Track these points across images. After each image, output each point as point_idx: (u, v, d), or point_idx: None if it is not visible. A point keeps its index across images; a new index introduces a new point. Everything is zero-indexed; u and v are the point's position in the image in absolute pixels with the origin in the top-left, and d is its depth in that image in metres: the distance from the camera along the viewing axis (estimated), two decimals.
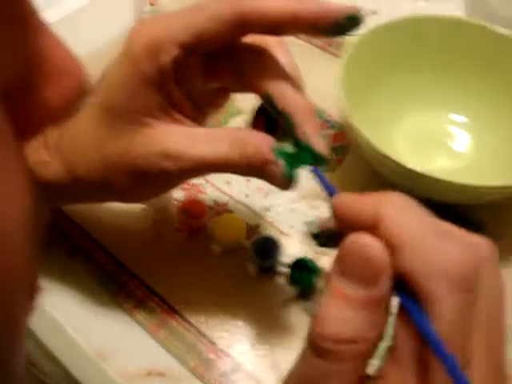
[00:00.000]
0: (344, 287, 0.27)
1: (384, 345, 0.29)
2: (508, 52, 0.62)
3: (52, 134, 0.45)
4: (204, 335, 0.50)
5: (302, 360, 0.29)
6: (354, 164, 0.62)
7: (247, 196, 0.59)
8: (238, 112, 0.66)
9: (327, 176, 0.60)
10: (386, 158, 0.51)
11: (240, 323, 0.51)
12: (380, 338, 0.28)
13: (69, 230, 0.57)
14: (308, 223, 0.57)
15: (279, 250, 0.52)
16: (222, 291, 0.53)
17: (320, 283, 0.52)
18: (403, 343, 0.28)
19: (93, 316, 0.52)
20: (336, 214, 0.31)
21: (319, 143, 0.40)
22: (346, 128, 0.63)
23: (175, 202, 0.58)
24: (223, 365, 0.49)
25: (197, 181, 0.60)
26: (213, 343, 0.50)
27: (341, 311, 0.27)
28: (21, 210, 0.20)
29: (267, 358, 0.49)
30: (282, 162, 0.39)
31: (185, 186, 0.59)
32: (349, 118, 0.53)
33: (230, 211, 0.58)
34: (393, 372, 0.27)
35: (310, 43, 0.75)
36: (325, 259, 0.54)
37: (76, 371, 0.50)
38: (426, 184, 0.52)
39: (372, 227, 0.28)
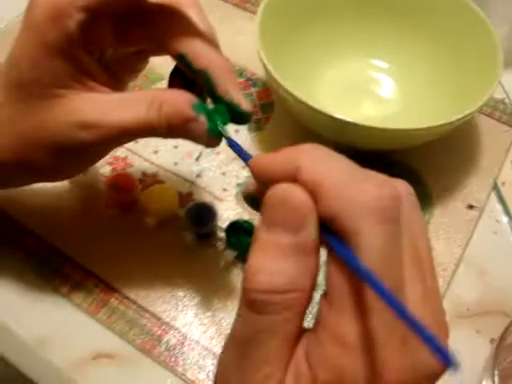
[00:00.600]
0: (271, 238, 0.27)
1: (319, 293, 0.28)
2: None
3: None
4: (147, 310, 0.49)
5: (238, 318, 0.28)
6: (281, 120, 0.61)
7: (176, 164, 0.58)
8: (160, 78, 0.64)
9: (256, 136, 0.60)
10: (313, 110, 0.50)
11: (182, 293, 0.50)
12: (314, 287, 0.27)
13: None
14: (240, 185, 0.56)
15: (214, 215, 0.51)
16: (160, 264, 0.51)
17: None
18: (337, 286, 0.26)
19: (29, 304, 0.50)
20: (255, 175, 0.30)
21: (241, 99, 0.39)
22: (269, 85, 0.63)
23: (103, 178, 0.56)
24: (170, 338, 0.48)
25: (123, 153, 0.58)
26: (157, 317, 0.49)
27: (271, 261, 0.26)
28: None
29: (213, 325, 0.49)
30: (203, 118, 0.38)
31: (111, 159, 0.57)
32: (271, 73, 0.52)
33: (160, 182, 0.56)
34: (330, 316, 0.26)
35: (226, 1, 0.73)
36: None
37: (18, 363, 0.48)
38: (355, 133, 0.51)
39: (293, 180, 0.28)
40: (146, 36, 0.41)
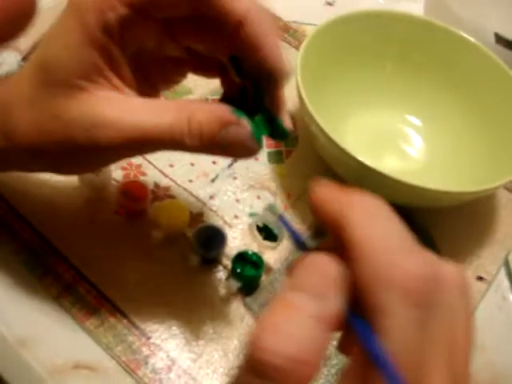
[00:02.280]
0: (295, 299, 0.25)
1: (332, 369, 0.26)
2: (466, 55, 0.61)
3: None
4: (137, 327, 0.47)
5: (238, 379, 0.26)
6: (303, 156, 0.60)
7: (191, 181, 0.56)
8: (187, 91, 0.62)
9: (275, 168, 0.58)
10: (341, 151, 0.49)
11: (176, 316, 0.48)
12: (321, 363, 0.25)
13: None
14: (253, 215, 0.54)
15: (223, 241, 0.49)
16: (159, 281, 0.49)
17: (263, 278, 0.50)
18: (350, 365, 0.26)
19: (15, 300, 0.47)
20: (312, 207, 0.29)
21: (286, 115, 0.38)
22: (297, 118, 0.61)
23: (114, 182, 0.54)
24: (156, 361, 0.46)
25: (137, 161, 0.56)
26: (147, 337, 0.47)
27: (288, 325, 0.24)
28: None
29: (203, 355, 0.46)
30: (245, 122, 0.35)
31: (125, 165, 0.56)
32: (307, 107, 0.51)
33: (171, 196, 0.54)
34: None
35: None
36: (269, 253, 0.51)
37: None
38: (378, 182, 0.50)
39: (336, 228, 0.27)
40: (201, 34, 0.40)
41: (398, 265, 0.25)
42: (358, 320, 0.25)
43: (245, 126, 0.36)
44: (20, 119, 0.39)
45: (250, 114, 0.36)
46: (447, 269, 0.27)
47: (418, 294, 0.25)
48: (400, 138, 0.63)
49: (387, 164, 0.60)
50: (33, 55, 0.39)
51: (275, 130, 0.38)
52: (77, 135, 0.37)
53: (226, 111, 0.36)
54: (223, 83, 0.44)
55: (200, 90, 0.63)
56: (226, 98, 0.43)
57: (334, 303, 0.25)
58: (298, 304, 0.25)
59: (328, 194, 0.29)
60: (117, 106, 0.37)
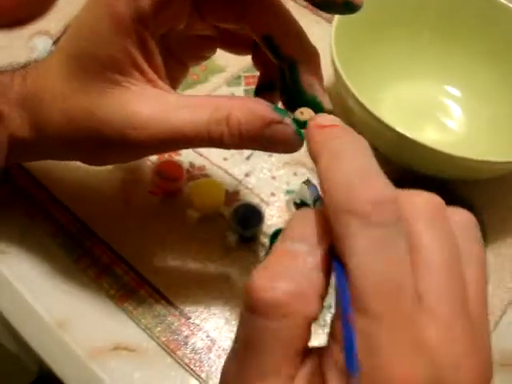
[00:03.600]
0: (289, 245, 0.26)
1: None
2: (505, 22, 0.59)
3: (13, 83, 0.40)
4: (176, 308, 0.46)
5: (240, 320, 0.26)
6: None
7: (225, 159, 0.55)
8: (219, 69, 0.61)
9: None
10: (377, 121, 0.48)
11: (215, 295, 0.47)
12: (322, 307, 0.25)
13: (28, 188, 0.52)
14: (290, 192, 0.53)
15: (261, 219, 0.49)
16: (196, 261, 0.49)
17: None
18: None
19: (54, 282, 0.47)
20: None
21: (325, 96, 0.36)
22: (331, 93, 0.60)
23: (148, 163, 0.53)
24: (196, 341, 0.45)
25: None
26: (186, 317, 0.46)
27: (283, 266, 0.25)
28: None
29: None
30: (289, 120, 0.33)
31: None
32: (343, 81, 0.50)
33: (206, 175, 0.53)
34: (335, 347, 0.24)
35: (295, 1, 0.71)
36: None
37: (34, 342, 0.45)
38: (418, 154, 0.49)
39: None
40: (231, 14, 0.38)
41: (355, 189, 0.24)
42: (336, 263, 0.25)
43: (288, 124, 0.34)
44: (51, 112, 0.38)
45: (288, 96, 0.35)
46: (413, 194, 0.26)
47: (380, 214, 0.23)
48: (439, 110, 0.61)
49: (426, 136, 0.59)
50: (62, 42, 0.38)
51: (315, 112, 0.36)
52: (109, 133, 0.36)
53: (267, 110, 0.34)
54: (256, 62, 0.43)
55: (232, 68, 0.62)
56: (262, 86, 0.41)
57: (318, 247, 0.25)
58: (287, 249, 0.25)
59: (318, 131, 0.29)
60: (151, 104, 0.35)
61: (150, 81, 0.36)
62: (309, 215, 0.26)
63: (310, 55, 0.36)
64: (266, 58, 0.39)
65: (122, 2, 0.34)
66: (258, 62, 0.43)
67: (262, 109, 0.34)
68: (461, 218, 0.27)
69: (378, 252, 0.23)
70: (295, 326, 0.24)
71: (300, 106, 0.34)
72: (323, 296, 0.25)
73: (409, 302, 0.23)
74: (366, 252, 0.23)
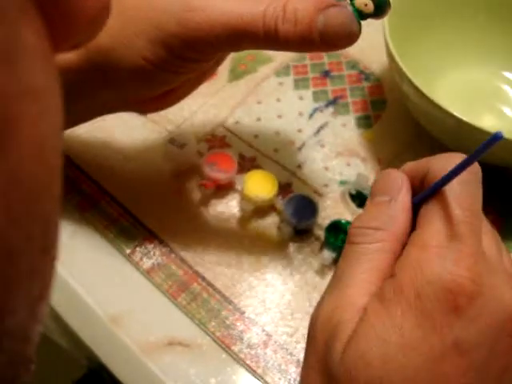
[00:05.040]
0: (374, 199, 0.33)
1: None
2: None
3: None
4: (231, 302, 0.45)
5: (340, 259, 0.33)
6: (393, 120, 0.57)
7: (277, 151, 0.54)
8: (268, 59, 0.60)
9: (364, 133, 0.55)
10: (434, 106, 0.46)
11: (270, 290, 0.46)
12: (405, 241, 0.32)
13: (80, 182, 0.51)
14: (344, 183, 0.51)
15: (316, 210, 0.47)
16: (251, 254, 0.47)
17: None
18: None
19: (106, 277, 0.47)
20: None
21: None
22: (389, 79, 0.58)
23: (199, 155, 0.52)
24: (252, 336, 0.44)
25: (221, 132, 0.54)
26: (240, 311, 0.45)
27: (370, 212, 0.33)
28: (57, 107, 0.16)
29: (300, 329, 0.44)
30: (346, 3, 0.33)
31: (209, 137, 0.54)
32: (398, 65, 0.48)
33: (258, 167, 0.52)
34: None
35: None
36: None
37: (87, 338, 0.45)
38: (474, 140, 0.46)
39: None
40: None
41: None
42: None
43: (344, 5, 0.34)
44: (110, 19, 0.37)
45: None
46: None
47: None
48: (496, 96, 0.59)
49: (484, 124, 0.56)
50: None
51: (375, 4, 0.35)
52: (166, 23, 0.35)
53: None
54: None
55: (281, 58, 0.60)
56: None
57: (403, 196, 0.32)
58: (372, 201, 0.33)
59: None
60: None
61: None
62: (389, 174, 0.34)
63: None
64: None
65: None
66: None
67: None
68: None
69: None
70: (380, 248, 0.31)
71: None
72: (405, 232, 0.32)
73: None
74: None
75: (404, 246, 0.31)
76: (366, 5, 0.33)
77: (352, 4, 0.34)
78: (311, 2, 0.34)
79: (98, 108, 0.44)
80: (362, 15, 0.34)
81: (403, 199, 0.32)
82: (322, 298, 0.32)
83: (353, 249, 0.32)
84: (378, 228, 0.31)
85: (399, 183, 0.33)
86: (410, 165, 0.34)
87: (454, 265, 0.28)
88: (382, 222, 0.32)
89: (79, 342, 0.45)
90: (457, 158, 0.30)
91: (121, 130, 0.52)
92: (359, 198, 0.47)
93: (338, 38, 0.34)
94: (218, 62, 0.45)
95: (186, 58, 0.38)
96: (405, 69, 0.47)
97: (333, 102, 0.58)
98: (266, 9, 0.34)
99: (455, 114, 0.45)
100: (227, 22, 0.34)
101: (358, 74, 0.60)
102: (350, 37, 0.34)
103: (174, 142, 0.50)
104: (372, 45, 0.56)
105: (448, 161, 0.31)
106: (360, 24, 0.34)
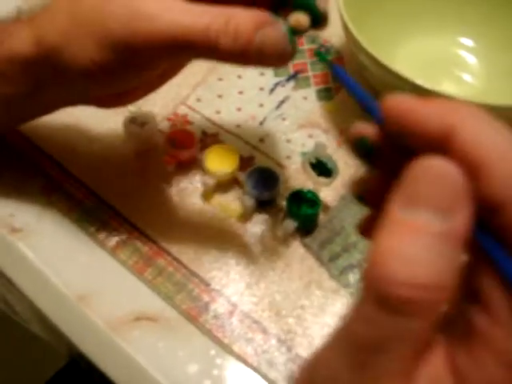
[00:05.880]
0: (412, 217, 0.21)
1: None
2: None
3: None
4: (196, 275, 0.46)
5: (357, 317, 0.22)
6: None
7: (238, 126, 0.54)
8: None
9: (323, 106, 0.56)
10: (391, 74, 0.47)
11: (234, 261, 0.47)
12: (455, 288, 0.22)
13: (44, 165, 0.51)
14: (305, 154, 0.52)
15: (277, 181, 0.48)
16: (214, 227, 0.48)
17: (321, 217, 0.48)
18: (500, 298, 0.21)
19: (71, 258, 0.47)
20: (387, 118, 0.24)
21: None
22: (344, 51, 0.59)
23: (160, 133, 0.52)
24: (217, 307, 0.45)
25: (183, 111, 0.55)
26: (206, 283, 0.45)
27: (412, 247, 0.20)
28: None
29: (265, 297, 0.45)
30: (280, 23, 0.35)
31: (171, 116, 0.54)
32: (354, 37, 0.48)
33: (220, 142, 0.53)
34: (495, 332, 0.21)
35: None
36: (325, 191, 0.49)
37: (54, 316, 0.45)
38: None
39: (439, 142, 0.22)
40: None
41: None
42: (488, 237, 0.21)
43: (280, 26, 0.35)
44: (57, 12, 0.38)
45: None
46: None
47: None
48: (454, 63, 0.59)
49: (442, 89, 0.57)
50: None
51: (312, 16, 0.36)
52: (115, 28, 0.36)
53: (263, 14, 0.35)
54: None
55: None
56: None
57: (462, 218, 0.21)
58: (420, 222, 0.21)
59: (417, 102, 0.24)
60: (156, 2, 0.36)
61: None
62: (441, 170, 0.21)
63: None
64: None
65: None
66: None
67: (259, 14, 0.35)
68: None
69: None
70: (429, 322, 0.21)
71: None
72: (457, 281, 0.21)
73: None
74: None
75: None
76: (299, 22, 0.35)
77: (286, 23, 0.35)
78: (251, 18, 0.35)
79: (54, 102, 0.45)
80: (296, 32, 0.35)
81: (466, 227, 0.21)
82: (338, 370, 0.23)
83: (389, 323, 0.21)
84: (432, 287, 0.20)
85: (463, 194, 0.21)
86: (424, 108, 0.23)
87: None
88: (436, 274, 0.20)
89: (54, 329, 0.46)
90: (484, 115, 0.23)
91: (83, 112, 0.52)
92: (319, 167, 0.47)
93: (271, 57, 0.36)
94: (182, 65, 0.46)
95: (131, 65, 0.39)
96: (360, 39, 0.48)
97: (294, 77, 0.58)
98: (210, 22, 0.35)
99: (413, 80, 0.46)
100: (173, 34, 0.35)
101: (319, 47, 0.61)
102: (283, 56, 0.36)
103: (136, 121, 0.51)
104: (331, 19, 0.56)
105: (481, 123, 0.23)
106: (294, 42, 0.35)
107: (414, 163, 0.22)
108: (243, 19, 0.35)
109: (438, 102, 0.23)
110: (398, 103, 0.24)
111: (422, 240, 0.20)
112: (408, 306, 0.20)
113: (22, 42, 0.39)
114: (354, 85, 0.29)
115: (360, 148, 0.26)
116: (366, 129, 0.26)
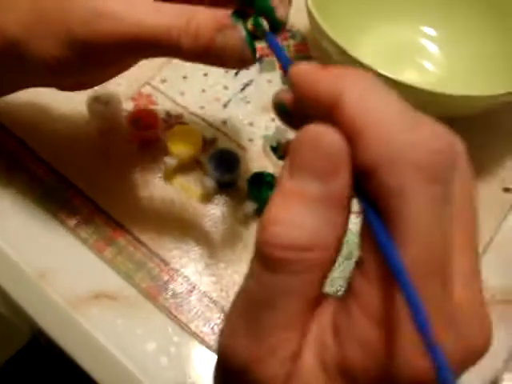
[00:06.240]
0: (296, 185, 0.23)
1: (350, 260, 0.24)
2: None
3: None
4: (156, 254, 0.46)
5: (249, 275, 0.24)
6: None
7: (202, 108, 0.55)
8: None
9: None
10: (354, 62, 0.47)
11: (194, 241, 0.47)
12: (340, 248, 0.23)
13: (5, 142, 0.51)
14: (267, 137, 0.53)
15: (238, 163, 0.48)
16: (176, 207, 0.48)
17: None
18: (372, 256, 0.22)
19: (33, 236, 0.47)
20: (293, 85, 0.25)
21: (280, 6, 0.35)
22: (309, 37, 0.59)
23: (124, 113, 0.52)
24: (176, 286, 0.45)
25: (147, 91, 0.55)
26: (165, 263, 0.46)
27: (292, 212, 0.22)
28: None
29: (224, 277, 0.46)
30: (240, 27, 0.34)
31: (135, 95, 0.54)
32: (318, 23, 0.49)
33: (184, 123, 0.53)
34: (364, 288, 0.22)
35: None
36: None
37: (15, 294, 0.46)
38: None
39: (329, 109, 0.23)
40: None
41: (413, 137, 0.22)
42: (367, 203, 0.22)
43: (239, 29, 0.34)
44: (21, 13, 0.38)
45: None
46: (454, 135, 0.24)
47: (438, 168, 0.22)
48: (417, 51, 0.60)
49: (405, 78, 0.58)
50: None
51: (269, 24, 0.36)
52: (77, 26, 0.36)
53: (223, 14, 0.35)
54: None
55: None
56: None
57: (341, 183, 0.22)
58: (300, 189, 0.22)
59: (313, 68, 0.24)
60: (119, 2, 0.36)
61: None
62: (321, 137, 0.22)
63: None
64: None
65: None
66: None
67: (221, 14, 0.35)
68: (461, 148, 0.25)
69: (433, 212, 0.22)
70: (310, 279, 0.23)
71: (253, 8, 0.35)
72: (342, 237, 0.23)
73: None
74: (422, 211, 0.21)
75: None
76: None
77: (245, 26, 0.35)
78: (212, 19, 0.35)
79: (16, 85, 0.45)
80: (255, 36, 0.35)
81: (344, 191, 0.22)
82: (235, 328, 0.24)
83: (272, 281, 0.23)
84: (307, 248, 0.22)
85: (340, 160, 0.22)
86: (321, 76, 0.24)
87: None
88: (313, 236, 0.22)
89: (15, 306, 0.46)
90: (371, 81, 0.23)
91: (47, 90, 0.52)
92: (280, 151, 0.48)
93: (231, 59, 0.35)
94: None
95: (92, 62, 0.39)
96: (323, 26, 0.49)
97: (259, 60, 0.58)
98: (173, 22, 0.35)
99: (375, 68, 0.47)
100: (135, 35, 0.35)
101: (285, 32, 0.61)
102: (242, 60, 0.36)
103: (99, 99, 0.51)
104: (297, 4, 0.57)
105: (366, 88, 0.23)
106: (254, 45, 0.35)
107: (299, 132, 0.23)
108: (204, 19, 0.35)
109: (332, 69, 0.24)
110: (301, 70, 0.25)
111: (302, 205, 0.22)
112: (286, 265, 0.22)
113: None
114: (280, 51, 0.30)
115: (280, 112, 0.27)
116: (285, 94, 0.26)
